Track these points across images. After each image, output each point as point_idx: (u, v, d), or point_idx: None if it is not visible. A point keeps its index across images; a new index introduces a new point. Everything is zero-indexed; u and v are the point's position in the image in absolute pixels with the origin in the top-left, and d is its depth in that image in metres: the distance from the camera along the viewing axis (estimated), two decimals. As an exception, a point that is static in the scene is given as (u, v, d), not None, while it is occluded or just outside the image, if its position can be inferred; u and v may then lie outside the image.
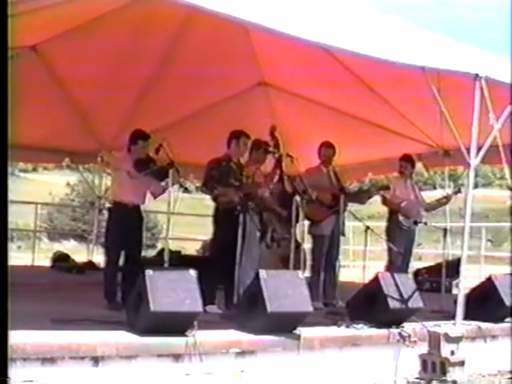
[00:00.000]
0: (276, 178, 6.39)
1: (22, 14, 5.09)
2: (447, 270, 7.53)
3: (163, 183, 6.11)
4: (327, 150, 7.25)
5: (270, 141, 6.37)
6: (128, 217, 6.09)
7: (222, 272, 5.91)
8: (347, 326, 5.23)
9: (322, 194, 7.01)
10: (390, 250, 7.49)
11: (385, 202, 7.71)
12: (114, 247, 6.14)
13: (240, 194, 6.01)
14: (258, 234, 6.30)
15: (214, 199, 6.15)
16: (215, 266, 5.94)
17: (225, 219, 5.96)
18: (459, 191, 7.80)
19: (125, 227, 6.04)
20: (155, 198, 6.48)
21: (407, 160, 7.85)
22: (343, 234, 7.39)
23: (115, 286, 6.03)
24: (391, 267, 7.24)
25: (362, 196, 7.60)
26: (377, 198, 7.68)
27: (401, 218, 7.56)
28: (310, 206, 6.60)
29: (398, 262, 7.39)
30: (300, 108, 9.06)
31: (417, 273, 9.63)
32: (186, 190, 6.12)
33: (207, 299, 5.85)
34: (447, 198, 7.92)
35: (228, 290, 5.91)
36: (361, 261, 8.44)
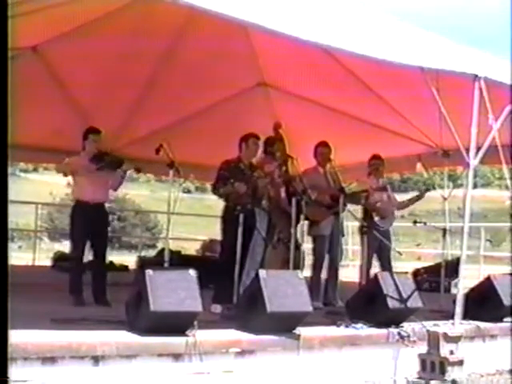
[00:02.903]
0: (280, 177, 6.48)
1: (23, 15, 5.11)
2: (446, 269, 7.55)
3: (119, 172, 6.29)
4: (323, 149, 7.26)
5: (274, 137, 6.45)
6: (89, 214, 6.15)
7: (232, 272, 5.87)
8: (347, 326, 5.24)
9: (320, 195, 7.03)
10: (362, 249, 7.49)
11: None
12: (77, 244, 6.23)
13: (248, 191, 6.05)
14: (265, 234, 6.30)
15: (226, 199, 6.20)
16: (227, 266, 5.90)
17: (234, 219, 5.97)
18: (428, 190, 8.10)
19: (87, 224, 6.13)
20: (115, 190, 6.57)
21: (377, 159, 7.85)
22: (342, 234, 7.40)
23: (80, 281, 6.10)
24: (366, 265, 7.30)
25: (358, 196, 7.61)
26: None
27: (376, 218, 7.54)
28: (308, 206, 6.62)
29: (371, 260, 7.41)
30: (300, 108, 9.06)
31: (416, 273, 9.64)
32: (139, 172, 6.55)
33: (215, 298, 5.89)
34: (418, 197, 8.01)
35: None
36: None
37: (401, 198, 8.72)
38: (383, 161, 7.88)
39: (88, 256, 6.42)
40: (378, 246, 7.35)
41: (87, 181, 6.21)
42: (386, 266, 7.45)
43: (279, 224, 6.77)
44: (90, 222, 6.15)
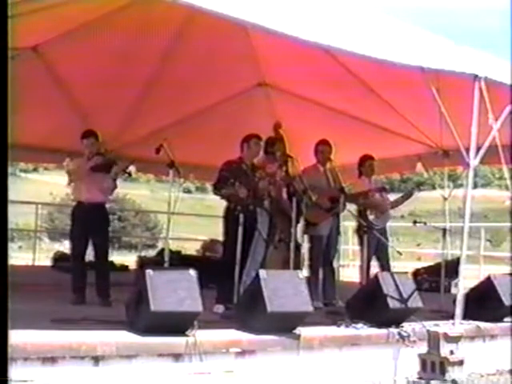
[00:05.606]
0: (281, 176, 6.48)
1: (23, 15, 5.12)
2: (446, 269, 7.54)
3: (112, 175, 6.30)
4: (323, 147, 7.27)
5: (275, 137, 6.45)
6: (86, 214, 6.23)
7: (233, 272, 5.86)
8: (347, 326, 5.25)
9: (320, 198, 7.02)
10: (361, 249, 7.48)
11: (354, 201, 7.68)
12: (75, 243, 6.34)
13: (249, 193, 6.05)
14: (266, 234, 6.30)
15: (227, 199, 6.21)
16: (229, 267, 5.87)
17: (236, 219, 5.96)
18: (414, 189, 8.29)
19: (83, 224, 6.23)
20: (109, 194, 6.58)
21: (372, 159, 7.82)
22: (339, 234, 7.38)
23: (83, 281, 6.17)
24: (366, 265, 7.30)
25: (356, 196, 7.61)
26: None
27: (371, 217, 7.52)
28: (307, 208, 6.62)
29: (370, 260, 7.40)
30: (300, 108, 9.06)
31: (416, 273, 9.64)
32: (130, 175, 6.54)
33: (218, 299, 5.89)
34: (407, 196, 7.94)
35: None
36: (361, 260, 8.44)
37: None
38: (373, 161, 7.88)
39: (89, 256, 6.46)
40: (376, 246, 7.34)
41: (81, 181, 6.34)
42: (385, 265, 7.45)
43: (280, 224, 6.77)
44: (87, 222, 6.21)
